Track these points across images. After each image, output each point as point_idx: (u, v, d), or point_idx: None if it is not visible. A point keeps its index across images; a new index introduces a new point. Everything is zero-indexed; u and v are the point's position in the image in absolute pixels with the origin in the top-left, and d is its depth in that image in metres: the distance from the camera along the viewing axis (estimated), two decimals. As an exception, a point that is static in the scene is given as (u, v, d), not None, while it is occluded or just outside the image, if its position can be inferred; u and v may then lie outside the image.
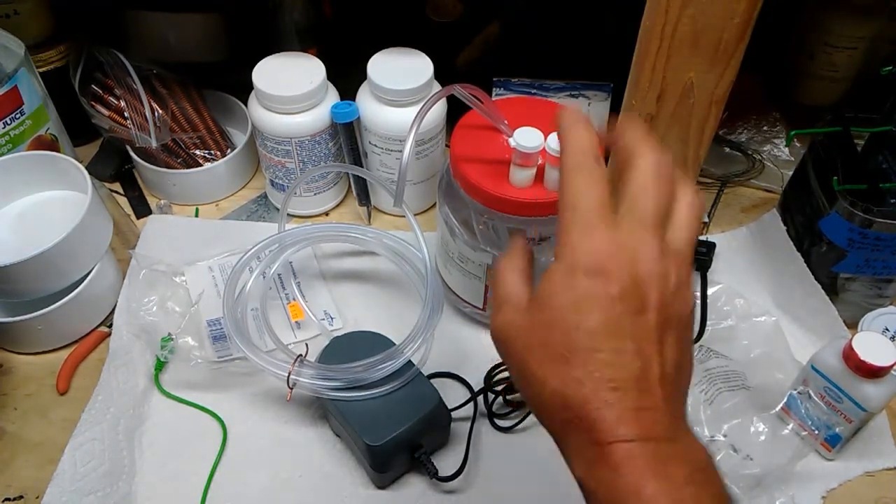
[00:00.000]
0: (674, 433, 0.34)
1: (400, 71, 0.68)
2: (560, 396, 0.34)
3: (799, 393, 0.58)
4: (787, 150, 0.82)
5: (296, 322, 0.66)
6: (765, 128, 0.84)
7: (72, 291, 0.63)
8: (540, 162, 0.55)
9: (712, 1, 0.55)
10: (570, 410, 0.34)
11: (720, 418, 0.60)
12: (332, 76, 0.70)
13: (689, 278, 0.37)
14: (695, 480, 0.33)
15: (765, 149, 0.83)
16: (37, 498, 0.56)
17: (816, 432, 0.58)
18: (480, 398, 0.61)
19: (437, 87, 0.70)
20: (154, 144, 0.73)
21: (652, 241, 0.35)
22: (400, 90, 0.67)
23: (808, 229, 0.66)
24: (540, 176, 0.55)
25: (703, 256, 0.70)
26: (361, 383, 0.56)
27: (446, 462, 0.58)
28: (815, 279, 0.66)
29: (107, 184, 0.79)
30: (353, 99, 0.70)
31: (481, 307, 0.65)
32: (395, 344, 0.58)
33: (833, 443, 0.58)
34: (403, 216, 0.65)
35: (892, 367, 0.53)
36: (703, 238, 0.73)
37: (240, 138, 0.80)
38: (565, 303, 0.34)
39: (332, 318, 0.67)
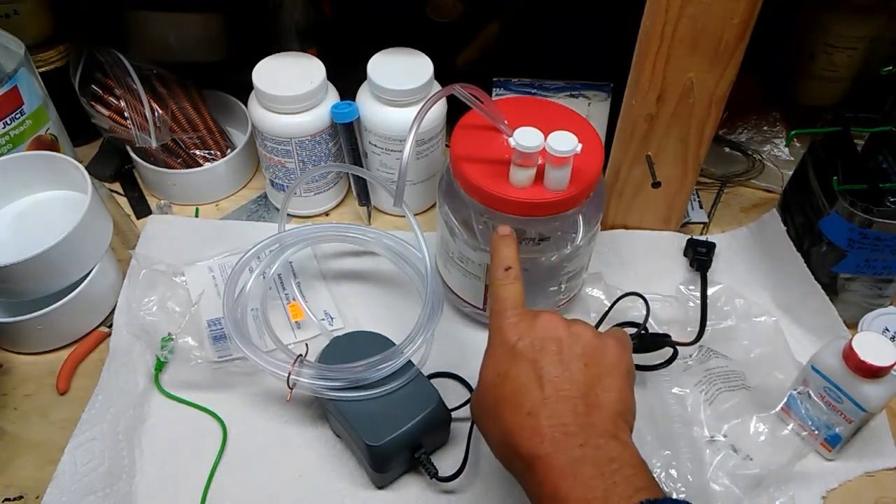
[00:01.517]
0: (586, 440, 0.42)
1: (400, 71, 0.68)
2: (499, 441, 0.45)
3: (799, 393, 0.58)
4: (787, 150, 0.82)
5: (296, 322, 0.66)
6: (765, 128, 0.84)
7: (72, 291, 0.63)
8: (540, 162, 0.55)
9: (712, 1, 0.55)
10: (507, 447, 0.44)
11: (720, 418, 0.60)
12: (332, 76, 0.70)
13: (603, 343, 0.47)
14: (603, 475, 0.40)
15: (765, 149, 0.83)
16: (37, 498, 0.56)
17: (816, 432, 0.58)
18: (480, 398, 0.61)
19: (437, 87, 0.70)
20: (154, 144, 0.73)
21: (549, 314, 0.48)
22: (400, 90, 0.67)
23: (808, 229, 0.66)
24: (540, 176, 0.55)
25: (703, 257, 0.70)
26: (361, 383, 0.56)
27: (446, 462, 0.58)
28: (815, 279, 0.66)
29: (107, 184, 0.79)
30: (353, 99, 0.70)
31: (481, 307, 0.65)
32: (395, 344, 0.58)
33: (833, 443, 0.58)
34: (403, 216, 0.65)
35: (892, 367, 0.53)
36: (703, 238, 0.73)
37: (240, 138, 0.80)
38: (489, 377, 0.47)
39: (332, 318, 0.67)
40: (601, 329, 0.62)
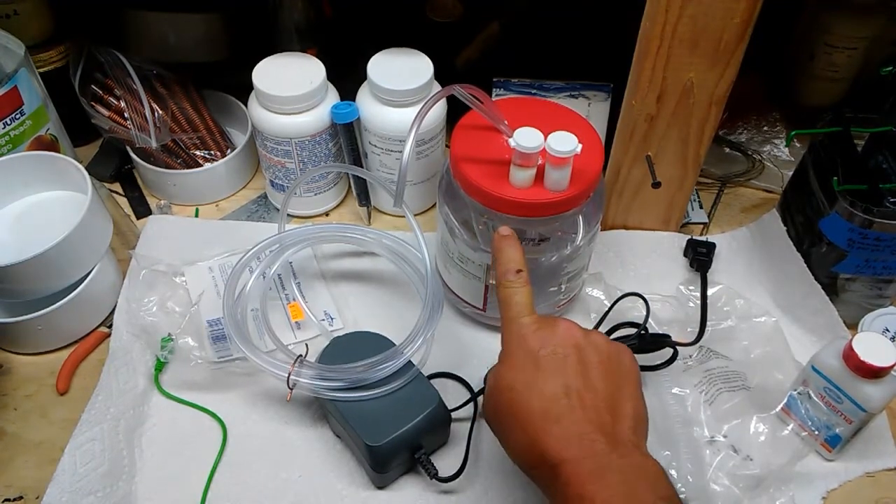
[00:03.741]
0: (612, 448, 0.43)
1: (400, 71, 0.68)
2: (523, 447, 0.45)
3: (799, 393, 0.58)
4: (787, 150, 0.82)
5: (296, 322, 0.66)
6: (765, 128, 0.84)
7: (72, 291, 0.63)
8: (540, 162, 0.55)
9: (712, 1, 0.55)
10: (531, 454, 0.44)
11: (720, 418, 0.60)
12: (331, 76, 0.70)
13: (616, 348, 0.49)
14: (628, 481, 0.42)
15: (765, 149, 0.83)
16: (37, 498, 0.56)
17: (816, 433, 0.58)
18: (480, 398, 0.61)
19: (437, 87, 0.70)
20: (154, 145, 0.73)
21: (565, 321, 0.48)
22: (400, 90, 0.67)
23: (808, 229, 0.66)
24: (540, 176, 0.55)
25: (703, 257, 0.70)
26: (361, 384, 0.56)
27: (446, 462, 0.58)
28: (815, 279, 0.66)
29: (107, 184, 0.79)
30: (353, 99, 0.70)
31: (481, 307, 0.65)
32: (395, 344, 0.58)
33: (833, 443, 0.58)
34: (403, 216, 0.65)
35: (892, 367, 0.53)
36: (703, 238, 0.73)
37: (240, 138, 0.80)
38: (510, 384, 0.46)
39: (332, 319, 0.67)
40: (601, 330, 0.62)
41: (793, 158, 0.81)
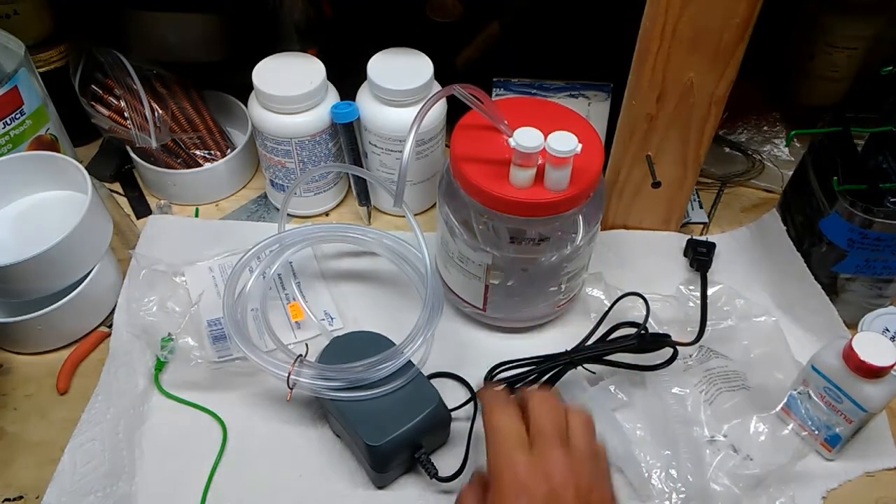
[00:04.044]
0: None
1: (400, 71, 0.68)
2: None
3: (799, 393, 0.58)
4: (787, 150, 0.82)
5: (296, 322, 0.66)
6: (765, 128, 0.84)
7: (72, 291, 0.63)
8: (540, 162, 0.55)
9: (712, 1, 0.55)
10: None
11: (720, 418, 0.60)
12: (332, 76, 0.70)
13: (599, 467, 0.47)
14: None
15: (765, 149, 0.83)
16: (37, 498, 0.56)
17: (816, 432, 0.58)
18: (480, 398, 0.61)
19: (437, 87, 0.70)
20: (154, 144, 0.73)
21: (557, 452, 0.45)
22: (400, 90, 0.67)
23: (808, 229, 0.66)
24: (540, 176, 0.55)
25: (703, 257, 0.70)
26: (361, 383, 0.56)
27: (446, 462, 0.58)
28: (815, 279, 0.66)
29: (107, 184, 0.79)
30: (353, 99, 0.70)
31: (481, 307, 0.65)
32: (395, 344, 0.58)
33: (833, 443, 0.58)
34: (403, 216, 0.65)
35: (892, 367, 0.53)
36: (703, 238, 0.73)
37: (240, 138, 0.80)
38: None
39: (332, 318, 0.67)
40: (601, 330, 0.62)
41: (793, 158, 0.81)
